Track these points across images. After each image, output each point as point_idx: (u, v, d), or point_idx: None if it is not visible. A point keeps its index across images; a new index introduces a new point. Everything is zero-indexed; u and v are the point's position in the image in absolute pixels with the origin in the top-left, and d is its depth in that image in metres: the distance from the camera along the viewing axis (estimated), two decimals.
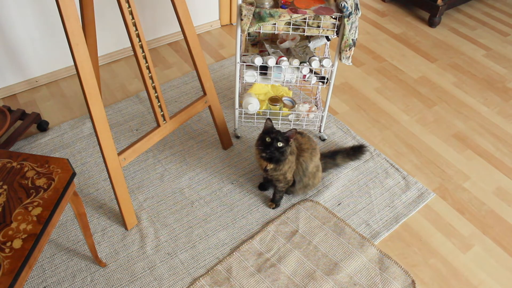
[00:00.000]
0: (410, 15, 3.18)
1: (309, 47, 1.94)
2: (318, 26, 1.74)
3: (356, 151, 1.95)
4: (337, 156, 1.92)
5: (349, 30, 1.68)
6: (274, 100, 2.12)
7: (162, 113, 1.69)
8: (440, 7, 2.93)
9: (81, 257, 1.61)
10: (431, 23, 3.04)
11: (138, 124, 2.17)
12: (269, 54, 1.90)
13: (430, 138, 2.18)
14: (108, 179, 1.87)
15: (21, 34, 2.16)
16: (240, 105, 2.06)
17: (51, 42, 2.28)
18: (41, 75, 2.35)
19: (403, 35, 2.96)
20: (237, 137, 2.11)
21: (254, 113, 2.14)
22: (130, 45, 1.50)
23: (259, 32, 1.91)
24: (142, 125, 2.16)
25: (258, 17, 1.65)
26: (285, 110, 2.13)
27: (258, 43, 2.04)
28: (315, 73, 1.89)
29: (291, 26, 1.76)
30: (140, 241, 1.67)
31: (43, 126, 2.07)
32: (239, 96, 2.02)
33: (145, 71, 1.56)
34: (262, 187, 1.87)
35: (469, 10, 3.29)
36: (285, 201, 1.83)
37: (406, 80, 2.54)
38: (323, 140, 2.12)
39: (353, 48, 1.73)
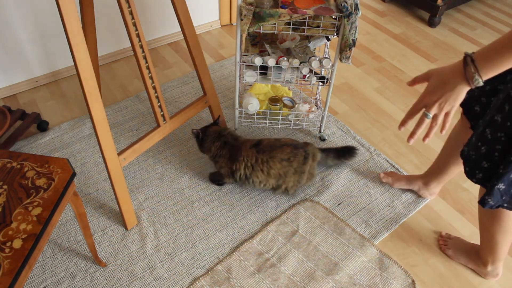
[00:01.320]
0: (410, 15, 3.18)
1: (309, 47, 1.94)
2: (318, 26, 1.74)
3: (346, 153, 1.93)
4: (328, 157, 1.91)
5: (349, 30, 1.68)
6: (274, 100, 2.12)
7: (162, 113, 1.69)
8: (440, 7, 2.93)
9: (81, 257, 1.61)
10: (431, 23, 3.04)
11: (138, 124, 2.17)
12: (269, 54, 1.90)
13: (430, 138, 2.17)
14: (108, 179, 1.87)
15: (21, 34, 2.16)
16: (240, 105, 2.06)
17: (51, 42, 2.28)
18: (41, 75, 2.35)
19: (403, 35, 2.96)
20: None
21: (254, 113, 2.14)
22: (130, 45, 1.49)
23: (259, 32, 1.91)
24: (142, 125, 2.16)
25: (258, 17, 1.65)
26: (285, 110, 2.13)
27: (258, 43, 2.04)
28: (315, 73, 1.89)
29: (291, 26, 1.76)
30: (140, 241, 1.67)
31: (43, 126, 2.07)
32: (239, 96, 2.02)
33: (145, 71, 1.56)
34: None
35: (469, 10, 3.29)
36: (285, 201, 1.83)
37: (406, 80, 2.54)
38: (323, 140, 2.12)
39: (353, 48, 1.73)
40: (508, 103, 1.10)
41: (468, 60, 0.90)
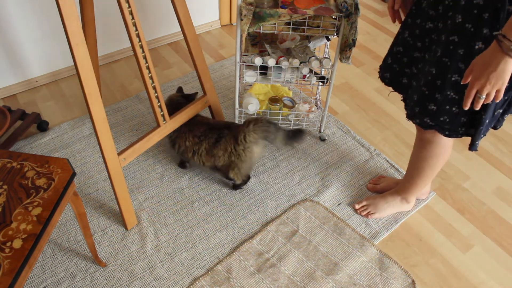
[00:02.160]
0: None
1: (309, 47, 1.94)
2: (318, 26, 1.74)
3: (293, 135, 1.76)
4: (276, 138, 1.75)
5: (349, 30, 1.68)
6: (274, 100, 2.12)
7: (162, 113, 1.69)
8: None
9: (81, 257, 1.61)
10: None
11: (138, 124, 2.17)
12: (269, 54, 1.91)
13: None
14: (108, 179, 1.87)
15: (21, 34, 2.16)
16: (240, 105, 2.07)
17: (51, 42, 2.28)
18: (41, 75, 2.35)
19: None
20: None
21: (254, 113, 2.14)
22: (130, 45, 1.50)
23: (259, 32, 1.91)
24: (142, 125, 2.16)
25: (258, 17, 1.65)
26: (285, 110, 2.13)
27: (258, 43, 2.04)
28: (315, 73, 1.89)
29: (291, 26, 1.76)
30: (140, 241, 1.67)
31: (43, 126, 2.07)
32: (239, 96, 2.02)
33: (145, 71, 1.56)
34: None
35: None
36: (285, 201, 1.83)
37: None
38: (323, 140, 2.12)
39: (353, 48, 1.73)
40: (461, 61, 1.18)
41: (500, 38, 0.99)
